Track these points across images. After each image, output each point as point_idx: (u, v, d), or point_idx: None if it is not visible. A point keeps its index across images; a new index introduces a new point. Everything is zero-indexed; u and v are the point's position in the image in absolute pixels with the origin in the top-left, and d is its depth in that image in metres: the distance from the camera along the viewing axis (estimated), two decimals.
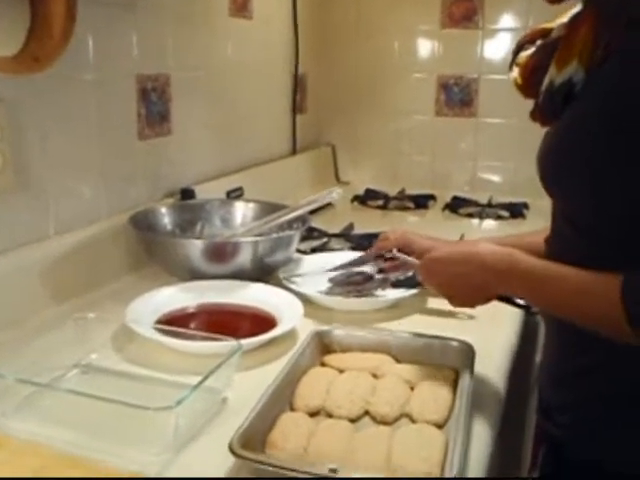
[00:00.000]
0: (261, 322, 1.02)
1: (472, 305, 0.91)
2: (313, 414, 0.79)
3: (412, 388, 0.85)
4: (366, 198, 1.95)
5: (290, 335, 0.98)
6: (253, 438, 0.70)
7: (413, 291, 1.12)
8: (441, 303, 1.14)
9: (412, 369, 0.88)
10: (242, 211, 1.36)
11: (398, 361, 0.91)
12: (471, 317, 1.10)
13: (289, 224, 1.29)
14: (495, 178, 2.07)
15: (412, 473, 0.66)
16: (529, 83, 0.86)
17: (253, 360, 0.92)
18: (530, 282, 0.80)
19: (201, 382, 0.74)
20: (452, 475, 0.63)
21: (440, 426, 0.77)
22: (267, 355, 0.94)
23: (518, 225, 1.73)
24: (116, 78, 1.24)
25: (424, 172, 2.13)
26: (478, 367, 0.86)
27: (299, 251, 1.39)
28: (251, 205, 1.37)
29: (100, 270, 1.18)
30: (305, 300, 1.09)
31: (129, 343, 0.94)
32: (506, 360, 0.98)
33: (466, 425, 0.73)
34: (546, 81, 0.80)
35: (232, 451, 0.65)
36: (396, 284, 1.12)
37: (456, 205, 1.87)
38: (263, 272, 1.18)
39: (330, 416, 0.79)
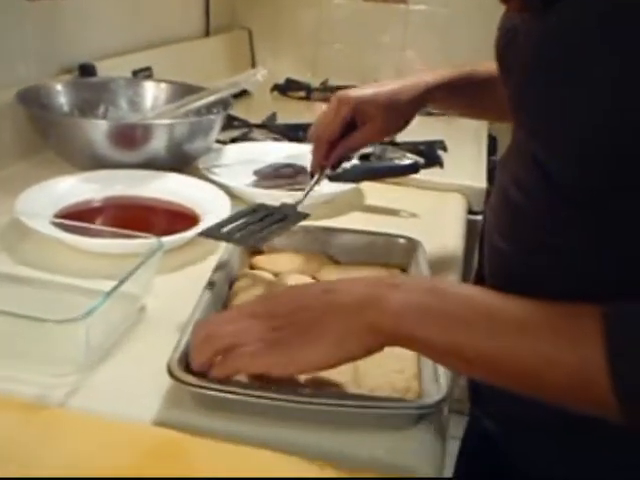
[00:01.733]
0: (180, 218, 0.89)
1: (334, 361, 0.53)
2: None
3: None
4: (287, 88, 1.79)
5: None
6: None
7: (351, 186, 1.00)
8: (381, 199, 1.05)
9: (355, 271, 0.78)
10: (153, 92, 1.18)
11: (338, 262, 0.80)
12: (413, 215, 1.01)
13: (207, 110, 1.14)
14: (419, 67, 1.94)
15: (389, 390, 0.56)
16: None
17: (174, 261, 0.79)
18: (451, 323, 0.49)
19: (116, 287, 0.61)
20: (443, 394, 0.53)
21: None
22: (190, 256, 0.81)
23: (448, 121, 1.63)
24: None
25: (348, 63, 1.98)
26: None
27: (218, 141, 1.24)
28: (163, 86, 1.19)
29: None
30: (229, 195, 0.96)
31: (21, 242, 0.78)
32: (457, 260, 0.89)
33: None
34: None
35: (172, 375, 0.53)
36: (332, 178, 1.00)
37: None
38: (179, 162, 1.03)
39: None
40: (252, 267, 0.79)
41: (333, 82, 1.85)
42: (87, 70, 1.17)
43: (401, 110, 0.84)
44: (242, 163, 1.09)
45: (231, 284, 0.74)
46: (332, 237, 0.81)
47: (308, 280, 0.75)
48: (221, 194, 0.91)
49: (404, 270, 0.79)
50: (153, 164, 0.98)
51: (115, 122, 1.01)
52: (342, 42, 1.98)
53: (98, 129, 0.95)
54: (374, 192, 1.06)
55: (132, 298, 0.68)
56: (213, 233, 0.73)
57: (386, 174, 1.01)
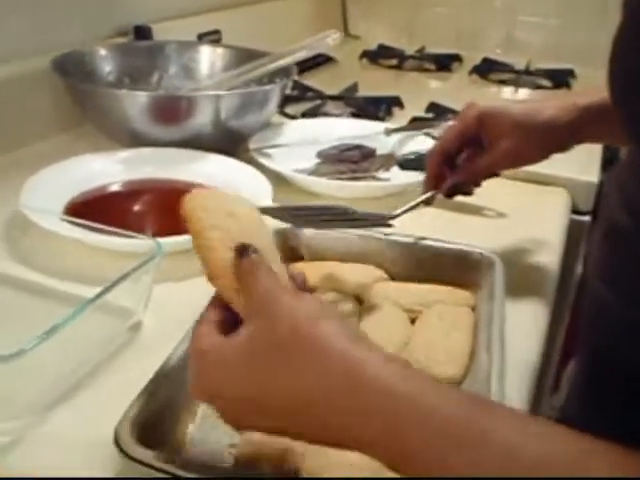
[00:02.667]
0: None
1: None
2: None
3: (413, 320, 0.59)
4: (378, 55, 1.62)
5: None
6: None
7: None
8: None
9: (413, 291, 0.62)
10: (210, 58, 1.05)
11: (392, 277, 0.64)
12: (501, 214, 0.82)
13: (271, 78, 0.99)
14: (535, 38, 1.71)
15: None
16: None
17: (182, 267, 0.65)
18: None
19: (91, 301, 0.49)
20: None
21: (457, 383, 0.52)
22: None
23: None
24: None
25: (448, 28, 1.77)
26: (511, 288, 0.60)
27: (286, 115, 1.10)
28: (221, 51, 1.05)
29: (19, 125, 0.89)
30: (280, 180, 0.81)
31: (26, 233, 0.67)
32: (549, 282, 0.71)
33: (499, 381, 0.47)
34: None
35: (119, 446, 0.40)
36: (404, 164, 0.84)
37: (486, 69, 1.54)
38: (228, 140, 0.89)
39: None
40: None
41: (430, 49, 1.66)
42: (142, 33, 1.05)
43: (553, 135, 0.64)
44: (304, 143, 0.94)
45: None
46: (388, 246, 0.65)
47: (349, 305, 0.60)
48: (263, 181, 0.76)
49: (474, 292, 0.62)
50: (197, 142, 0.85)
51: (154, 94, 0.88)
52: (445, 4, 1.77)
53: (135, 102, 0.83)
54: None
55: (123, 313, 0.56)
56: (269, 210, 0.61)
57: None
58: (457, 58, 1.62)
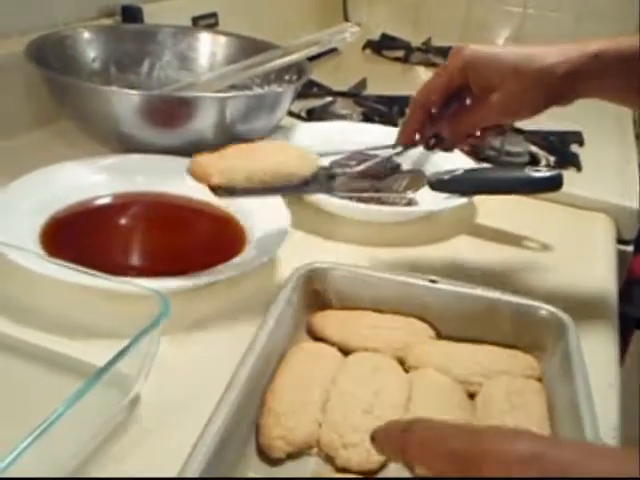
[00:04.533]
0: (217, 231, 0.64)
1: None
2: (298, 454, 0.42)
3: (472, 395, 0.48)
4: (382, 46, 1.50)
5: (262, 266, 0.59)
6: None
7: (461, 200, 0.72)
8: (498, 217, 0.76)
9: (468, 355, 0.51)
10: (211, 47, 0.92)
11: (439, 334, 0.54)
12: (546, 247, 0.72)
13: (277, 75, 0.87)
14: (545, 32, 1.60)
15: None
16: None
17: (191, 311, 0.54)
18: None
19: (90, 384, 0.37)
20: None
21: None
22: (216, 302, 0.56)
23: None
24: None
25: (456, 18, 1.66)
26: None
27: (289, 113, 0.97)
28: (223, 39, 0.92)
29: None
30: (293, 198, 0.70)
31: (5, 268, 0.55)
32: (611, 327, 0.61)
33: None
34: None
35: None
36: (436, 186, 0.72)
37: None
38: None
39: (331, 462, 0.42)
40: (311, 331, 0.54)
41: (437, 42, 1.55)
42: (131, 14, 0.92)
43: (550, 86, 0.56)
44: (317, 149, 0.82)
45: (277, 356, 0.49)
46: (433, 295, 0.54)
47: (394, 367, 0.49)
48: (279, 205, 0.65)
49: (538, 357, 0.51)
50: (196, 149, 0.72)
51: (146, 94, 0.75)
52: None
53: (125, 102, 0.70)
54: (488, 206, 0.78)
55: (121, 383, 0.44)
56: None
57: (513, 189, 0.72)
58: None
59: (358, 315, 0.54)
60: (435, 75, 0.62)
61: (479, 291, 0.54)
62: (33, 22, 0.81)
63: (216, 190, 0.53)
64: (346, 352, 0.51)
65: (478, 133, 0.65)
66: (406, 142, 0.66)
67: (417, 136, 0.66)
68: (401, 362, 0.50)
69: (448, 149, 0.66)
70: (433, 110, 0.63)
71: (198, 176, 0.53)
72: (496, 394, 0.47)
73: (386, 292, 0.55)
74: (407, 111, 0.66)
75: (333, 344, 0.51)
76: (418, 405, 0.46)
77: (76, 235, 0.60)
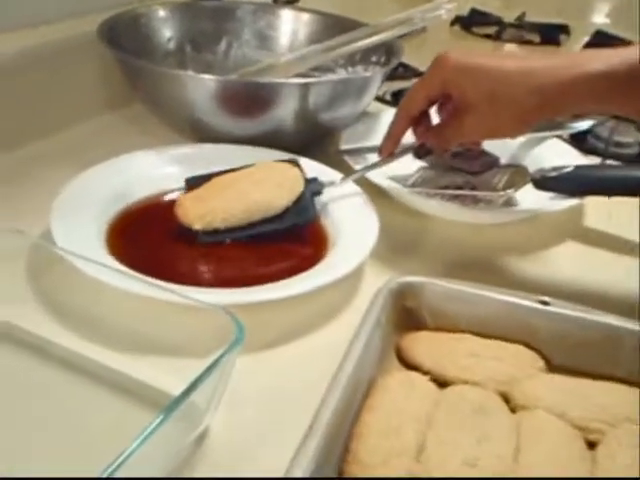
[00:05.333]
0: (299, 238, 0.58)
1: None
2: None
3: (593, 444, 0.41)
4: (471, 22, 1.40)
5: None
6: None
7: (569, 201, 0.64)
8: (610, 220, 0.68)
9: (587, 394, 0.44)
10: (292, 25, 0.86)
11: (550, 365, 0.46)
12: None
13: (364, 55, 0.80)
14: None
15: None
16: None
17: (267, 328, 0.48)
18: None
19: (162, 422, 0.32)
20: None
21: None
22: (294, 316, 0.50)
23: None
24: None
25: None
26: None
27: (376, 98, 0.90)
28: (306, 17, 0.85)
29: (53, 106, 0.72)
30: (376, 191, 0.64)
31: (50, 271, 0.50)
32: None
33: None
34: None
35: None
36: (541, 184, 0.64)
37: (600, 43, 1.31)
38: (313, 136, 0.71)
39: None
40: (401, 355, 0.47)
41: (532, 17, 1.43)
42: None
43: (525, 114, 0.55)
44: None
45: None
46: (545, 319, 0.47)
47: (499, 406, 0.42)
48: (369, 213, 0.58)
49: None
50: (274, 139, 0.67)
51: (223, 79, 0.70)
52: None
53: (200, 87, 0.65)
54: (599, 207, 0.69)
55: (189, 416, 0.39)
56: None
57: (635, 191, 0.63)
58: (564, 29, 1.39)
59: (455, 339, 0.47)
60: (417, 85, 0.60)
61: (599, 316, 0.46)
62: (107, 0, 0.77)
63: (199, 235, 0.56)
64: (441, 382, 0.45)
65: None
66: (388, 154, 0.64)
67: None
68: (506, 399, 0.44)
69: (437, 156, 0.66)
70: (416, 116, 0.61)
71: (183, 220, 0.56)
72: (622, 446, 0.40)
73: (488, 313, 0.48)
74: (390, 121, 0.63)
75: (426, 373, 0.45)
76: (529, 455, 0.39)
77: (144, 233, 0.56)
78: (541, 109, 0.54)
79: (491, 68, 0.55)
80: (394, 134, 0.63)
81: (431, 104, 0.61)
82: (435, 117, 0.64)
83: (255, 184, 0.57)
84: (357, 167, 0.65)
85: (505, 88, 0.54)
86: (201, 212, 0.55)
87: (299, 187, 0.58)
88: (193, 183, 0.60)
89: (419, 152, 0.67)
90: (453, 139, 0.61)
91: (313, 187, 0.60)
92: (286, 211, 0.57)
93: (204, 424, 0.40)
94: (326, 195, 0.61)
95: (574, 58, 0.53)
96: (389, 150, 0.64)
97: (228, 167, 0.61)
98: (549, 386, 0.44)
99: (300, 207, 0.58)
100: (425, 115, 0.62)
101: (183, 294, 0.42)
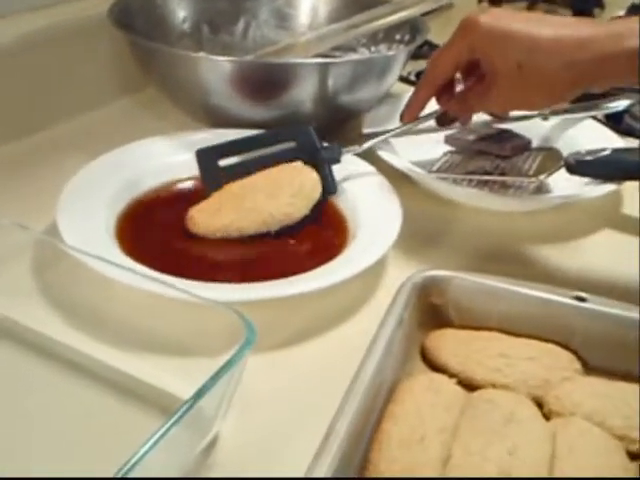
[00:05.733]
0: (317, 222, 0.55)
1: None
2: None
3: (636, 456, 0.38)
4: None
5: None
6: None
7: (605, 187, 0.60)
8: None
9: (629, 400, 0.40)
10: (312, 2, 0.82)
11: (586, 367, 0.43)
12: None
13: (387, 34, 0.76)
14: None
15: None
16: None
17: (281, 325, 0.46)
18: None
19: (168, 430, 0.30)
20: None
21: None
22: (310, 312, 0.47)
23: None
24: None
25: None
26: None
27: (400, 79, 0.87)
28: None
29: (64, 91, 0.70)
30: (398, 176, 0.60)
31: (57, 267, 0.48)
32: None
33: None
34: None
35: None
36: (576, 168, 0.61)
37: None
38: (334, 120, 0.68)
39: None
40: (426, 355, 0.44)
41: None
42: None
43: (554, 86, 0.51)
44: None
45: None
46: (582, 316, 0.43)
47: (533, 413, 0.39)
48: (393, 200, 0.55)
49: None
50: (295, 121, 0.64)
51: (239, 60, 0.67)
52: None
53: (213, 69, 0.62)
54: (636, 193, 0.65)
55: (196, 423, 0.36)
56: None
57: None
58: (598, 2, 1.33)
59: (484, 338, 0.44)
60: (442, 50, 0.56)
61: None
62: None
63: None
64: (469, 386, 0.42)
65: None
66: (410, 119, 0.61)
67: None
68: (539, 404, 0.40)
69: (462, 124, 0.64)
70: (440, 84, 0.58)
71: (196, 232, 0.53)
72: None
73: (520, 309, 0.44)
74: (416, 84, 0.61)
75: (452, 375, 0.42)
76: (566, 466, 0.36)
77: (154, 224, 0.53)
78: (573, 84, 0.51)
79: (523, 36, 0.51)
80: (418, 100, 0.60)
81: (457, 70, 0.57)
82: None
83: (270, 196, 0.53)
84: (380, 152, 0.62)
85: (536, 59, 0.51)
86: (213, 227, 0.52)
87: (316, 193, 0.55)
88: (205, 159, 0.58)
89: (442, 120, 0.64)
90: (478, 107, 0.58)
91: (329, 154, 0.57)
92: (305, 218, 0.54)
93: (213, 431, 0.37)
94: (347, 179, 0.58)
95: (612, 30, 0.49)
96: (412, 116, 0.61)
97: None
98: (586, 391, 0.41)
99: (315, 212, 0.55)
100: (449, 83, 0.59)
101: (190, 292, 0.39)
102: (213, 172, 0.57)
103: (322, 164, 0.56)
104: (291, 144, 0.58)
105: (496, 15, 0.53)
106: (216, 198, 0.54)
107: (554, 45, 0.50)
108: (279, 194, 0.53)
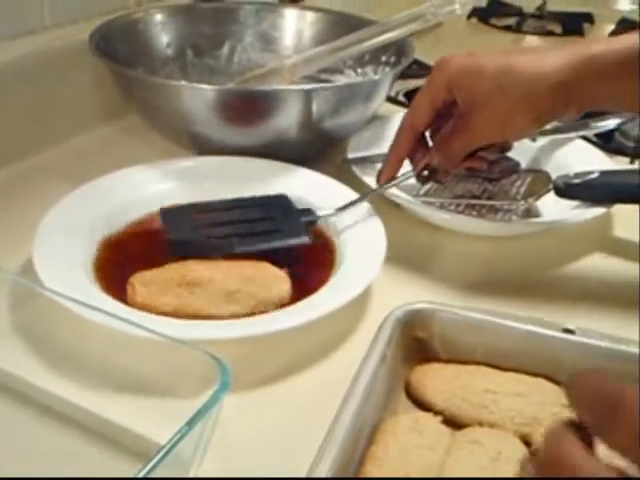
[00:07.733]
0: (304, 257, 0.54)
1: None
2: None
3: None
4: (490, 13, 1.34)
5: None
6: None
7: (599, 211, 0.59)
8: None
9: None
10: (297, 25, 0.81)
11: None
12: None
13: (374, 55, 0.76)
14: None
15: None
16: None
17: (260, 362, 0.44)
18: None
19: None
20: None
21: None
22: (289, 349, 0.46)
23: None
24: None
25: None
26: None
27: (388, 99, 0.86)
28: (311, 16, 0.81)
29: (53, 115, 0.69)
30: (383, 201, 0.59)
31: (30, 305, 0.47)
32: None
33: None
34: None
35: None
36: (565, 191, 0.60)
37: (626, 31, 1.24)
38: (319, 145, 0.67)
39: None
40: (410, 392, 0.43)
41: (553, 6, 1.37)
42: None
43: (537, 101, 0.51)
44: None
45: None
46: (570, 350, 0.42)
47: (519, 452, 0.38)
48: (377, 229, 0.54)
49: None
50: (276, 150, 0.63)
51: (221, 88, 0.66)
52: None
53: (197, 98, 0.61)
54: (626, 216, 0.64)
55: (177, 463, 0.35)
56: None
57: None
58: (588, 17, 1.33)
59: (470, 372, 0.43)
60: (419, 96, 0.56)
61: (631, 347, 0.42)
62: (101, 5, 0.73)
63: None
64: (455, 423, 0.40)
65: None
66: (392, 174, 0.58)
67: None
68: (526, 442, 0.39)
69: (441, 180, 0.59)
70: (421, 130, 0.57)
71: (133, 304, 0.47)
72: None
73: (507, 343, 0.43)
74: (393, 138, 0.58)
75: (437, 412, 0.41)
76: None
77: (134, 258, 0.52)
78: (553, 96, 0.51)
79: (499, 63, 0.52)
80: (396, 155, 0.57)
81: (435, 111, 0.55)
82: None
83: (228, 296, 0.47)
84: (365, 178, 0.61)
85: (515, 77, 0.51)
86: (151, 306, 0.46)
87: (282, 291, 0.48)
88: (169, 217, 0.54)
89: (421, 175, 0.58)
90: (462, 148, 0.55)
91: (307, 217, 0.55)
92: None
93: (191, 474, 0.36)
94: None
95: (578, 43, 0.52)
96: (389, 175, 0.57)
97: (231, 181, 0.58)
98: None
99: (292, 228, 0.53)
100: (422, 139, 0.57)
101: (161, 333, 0.38)
102: (184, 232, 0.53)
103: (301, 228, 0.54)
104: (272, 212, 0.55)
105: (470, 53, 0.53)
106: (167, 277, 0.47)
107: (531, 62, 0.51)
108: (238, 296, 0.47)
